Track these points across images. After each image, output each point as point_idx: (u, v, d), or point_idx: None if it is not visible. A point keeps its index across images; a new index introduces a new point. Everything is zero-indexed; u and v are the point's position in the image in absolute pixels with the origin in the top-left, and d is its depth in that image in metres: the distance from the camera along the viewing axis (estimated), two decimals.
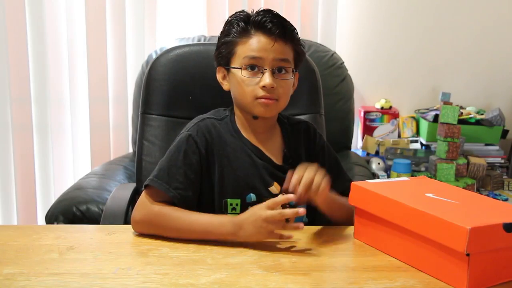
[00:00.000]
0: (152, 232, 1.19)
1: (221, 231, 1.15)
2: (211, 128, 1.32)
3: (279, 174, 1.31)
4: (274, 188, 1.31)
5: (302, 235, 1.20)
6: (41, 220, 2.57)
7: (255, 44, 1.27)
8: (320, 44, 2.45)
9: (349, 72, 2.42)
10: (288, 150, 1.36)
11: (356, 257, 1.09)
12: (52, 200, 2.44)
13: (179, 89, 1.59)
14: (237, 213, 1.27)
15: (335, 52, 2.44)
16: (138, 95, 1.93)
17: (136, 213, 1.22)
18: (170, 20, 2.64)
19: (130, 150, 2.53)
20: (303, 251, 1.12)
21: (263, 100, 1.26)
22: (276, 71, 1.27)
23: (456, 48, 2.80)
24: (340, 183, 1.33)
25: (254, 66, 1.27)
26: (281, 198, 1.12)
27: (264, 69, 1.26)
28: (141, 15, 2.53)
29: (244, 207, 1.26)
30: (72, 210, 1.72)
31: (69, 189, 1.90)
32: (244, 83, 1.27)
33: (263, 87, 1.25)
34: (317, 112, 1.63)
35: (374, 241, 1.13)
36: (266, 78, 1.25)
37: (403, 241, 1.05)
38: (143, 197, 1.23)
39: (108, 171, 2.10)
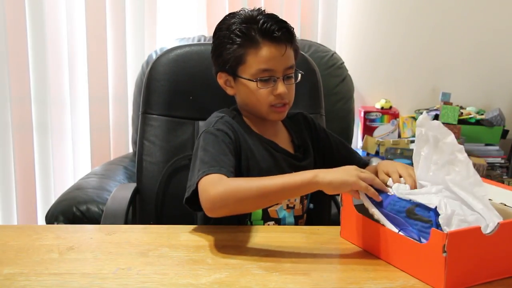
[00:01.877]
0: (230, 207, 1.13)
1: (301, 178, 1.10)
2: (232, 123, 1.34)
3: (296, 163, 1.37)
4: None
5: (302, 235, 1.20)
6: (41, 220, 2.57)
7: (267, 55, 1.29)
8: (320, 44, 2.44)
9: (349, 72, 2.42)
10: (296, 140, 1.42)
11: (355, 257, 1.09)
12: (52, 200, 2.44)
13: (179, 89, 1.59)
14: None
15: (335, 52, 2.43)
16: (138, 95, 1.93)
17: (208, 193, 1.13)
18: (170, 20, 2.64)
19: (130, 150, 2.53)
20: (303, 251, 1.12)
21: (277, 108, 1.32)
22: (286, 78, 1.32)
23: (457, 48, 2.80)
24: (356, 158, 1.42)
25: (268, 77, 1.30)
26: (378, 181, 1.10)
27: (277, 77, 1.30)
28: (141, 15, 2.53)
29: None
30: (72, 210, 1.72)
31: (69, 189, 1.91)
32: (258, 93, 1.31)
33: (278, 95, 1.30)
34: (318, 112, 1.63)
35: (358, 240, 1.14)
36: (280, 87, 1.30)
37: (384, 240, 1.06)
38: (206, 181, 1.15)
39: (108, 171, 2.10)
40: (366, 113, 2.72)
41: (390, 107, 2.74)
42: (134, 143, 2.34)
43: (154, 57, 1.89)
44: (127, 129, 2.57)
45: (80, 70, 2.54)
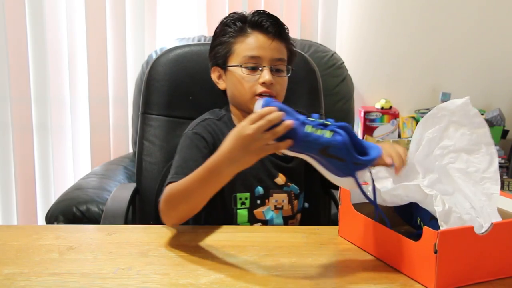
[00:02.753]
0: (177, 213, 1.14)
1: (223, 180, 1.07)
2: (213, 127, 1.35)
3: (283, 164, 1.35)
4: (280, 179, 1.35)
5: (302, 234, 1.20)
6: (41, 220, 2.57)
7: (254, 42, 1.31)
8: (320, 44, 2.45)
9: (349, 72, 2.42)
10: None
11: (356, 257, 1.09)
12: (52, 200, 2.45)
13: (179, 89, 1.59)
14: (247, 207, 1.31)
15: (335, 52, 2.44)
16: (138, 95, 1.93)
17: (160, 207, 1.17)
18: (170, 20, 2.64)
19: (130, 150, 2.53)
20: (302, 251, 1.12)
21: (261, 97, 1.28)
22: (274, 70, 1.32)
23: (456, 48, 2.79)
24: None
25: (253, 65, 1.30)
26: (265, 109, 0.99)
27: (263, 66, 1.30)
28: (141, 15, 2.53)
29: (253, 201, 1.31)
30: (72, 210, 1.72)
31: (69, 189, 1.91)
32: (244, 80, 1.31)
33: (263, 84, 1.29)
34: (318, 112, 1.63)
35: (356, 238, 1.14)
36: (266, 75, 1.29)
37: (380, 238, 1.06)
38: (164, 191, 1.18)
39: (108, 171, 2.10)
40: (366, 113, 2.72)
41: (390, 107, 2.73)
42: (134, 143, 2.34)
43: (154, 57, 1.89)
44: (127, 129, 2.57)
45: (80, 70, 2.54)
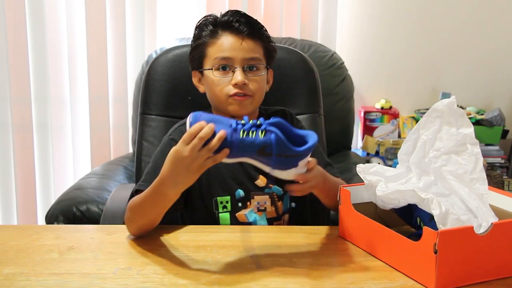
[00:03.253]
0: (136, 225, 1.17)
1: (170, 200, 1.10)
2: None
3: None
4: (260, 181, 1.34)
5: (302, 235, 1.20)
6: (41, 220, 2.57)
7: (224, 44, 1.30)
8: (320, 44, 2.45)
9: (349, 72, 2.43)
10: None
11: (355, 257, 1.09)
12: (52, 200, 2.45)
13: (178, 89, 1.59)
14: (229, 211, 1.31)
15: (335, 52, 2.44)
16: (138, 95, 1.92)
17: (125, 216, 1.21)
18: (170, 20, 2.64)
19: (130, 150, 2.53)
20: (302, 251, 1.12)
21: (236, 97, 1.28)
22: (247, 69, 1.30)
23: (456, 48, 2.80)
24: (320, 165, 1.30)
25: (225, 66, 1.30)
26: (195, 126, 1.00)
27: (235, 67, 1.29)
28: (141, 15, 2.53)
29: (234, 204, 1.30)
30: (72, 210, 1.72)
31: (69, 189, 1.91)
32: (216, 83, 1.30)
33: (235, 85, 1.28)
34: (316, 112, 1.63)
35: (356, 238, 1.14)
36: (238, 76, 1.28)
37: (380, 238, 1.06)
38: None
39: (108, 171, 2.10)
40: (366, 113, 2.72)
41: (390, 107, 2.74)
42: (134, 143, 2.35)
43: (154, 57, 1.89)
44: (127, 129, 2.57)
45: (80, 70, 2.54)
